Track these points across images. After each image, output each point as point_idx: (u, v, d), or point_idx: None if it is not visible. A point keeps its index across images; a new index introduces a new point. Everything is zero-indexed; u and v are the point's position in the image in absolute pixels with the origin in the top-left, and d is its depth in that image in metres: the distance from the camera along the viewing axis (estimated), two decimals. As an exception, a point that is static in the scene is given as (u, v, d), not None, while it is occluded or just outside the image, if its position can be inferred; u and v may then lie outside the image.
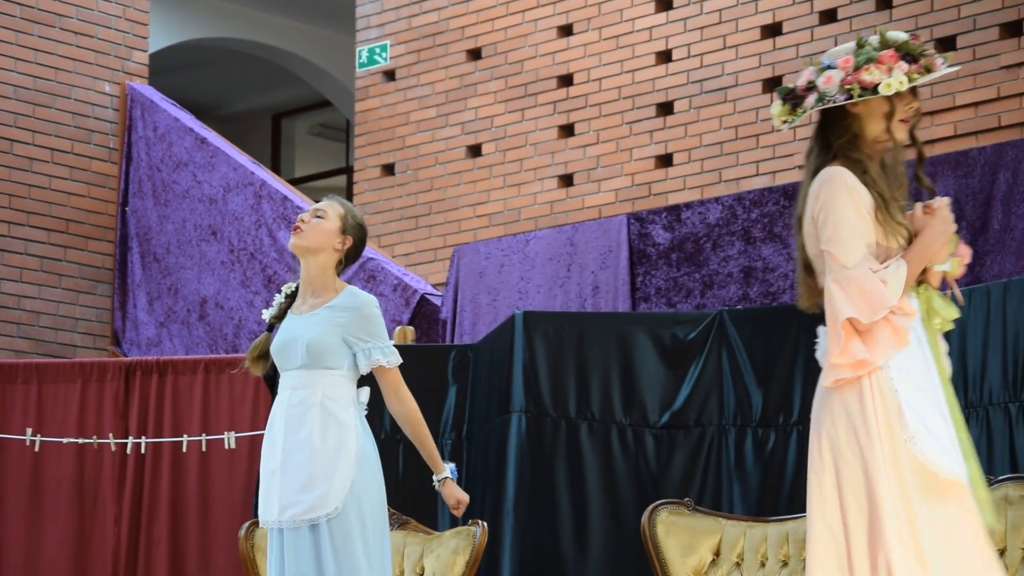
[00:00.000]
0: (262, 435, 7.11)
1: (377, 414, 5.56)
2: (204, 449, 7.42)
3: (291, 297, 4.98)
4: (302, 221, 4.87)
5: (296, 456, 4.74)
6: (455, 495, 4.89)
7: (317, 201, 5.06)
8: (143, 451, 7.46)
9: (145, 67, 9.69)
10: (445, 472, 4.87)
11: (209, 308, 8.82)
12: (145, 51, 9.72)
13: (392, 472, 6.09)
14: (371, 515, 4.76)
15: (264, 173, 8.89)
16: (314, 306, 4.86)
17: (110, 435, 7.50)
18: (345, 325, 4.78)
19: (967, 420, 5.79)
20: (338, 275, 4.92)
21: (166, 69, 11.95)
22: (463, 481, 6.70)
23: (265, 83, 13.33)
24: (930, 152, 7.83)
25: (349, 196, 10.98)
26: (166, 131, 9.18)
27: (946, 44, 8.10)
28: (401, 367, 4.87)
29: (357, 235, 4.94)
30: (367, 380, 4.90)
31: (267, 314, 4.97)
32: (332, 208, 4.92)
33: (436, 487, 4.93)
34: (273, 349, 4.90)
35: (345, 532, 4.70)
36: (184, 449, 7.44)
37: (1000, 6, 7.94)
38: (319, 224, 4.87)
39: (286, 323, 4.91)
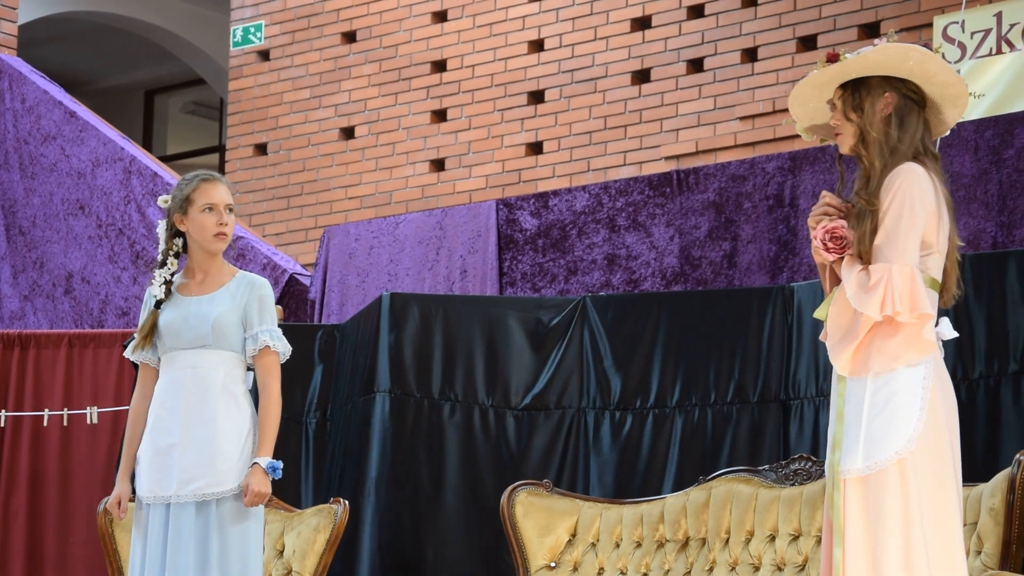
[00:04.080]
0: (126, 410, 7.15)
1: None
2: (66, 424, 7.38)
3: (173, 274, 4.97)
4: (226, 225, 4.88)
5: (199, 432, 4.77)
6: (255, 484, 4.74)
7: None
8: (3, 424, 7.41)
9: (14, 38, 9.57)
10: (264, 459, 4.76)
11: (75, 283, 8.76)
12: (14, 22, 9.61)
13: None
14: None
15: (134, 149, 8.84)
16: (211, 287, 4.90)
17: (-31, 407, 7.44)
18: (243, 307, 4.84)
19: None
20: None
21: (37, 41, 11.81)
22: (327, 460, 6.75)
23: (139, 59, 13.22)
24: (789, 148, 8.06)
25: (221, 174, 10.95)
26: (35, 103, 9.09)
27: (807, 43, 8.32)
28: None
29: None
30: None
31: (158, 291, 4.94)
32: (231, 194, 4.96)
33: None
34: (165, 326, 4.89)
35: (241, 515, 4.74)
36: (45, 423, 7.40)
37: (859, 7, 8.19)
38: (232, 219, 4.92)
39: (175, 302, 4.91)
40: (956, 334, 3.94)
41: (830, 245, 3.91)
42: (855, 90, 4.00)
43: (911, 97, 3.97)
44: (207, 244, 4.88)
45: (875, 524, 3.76)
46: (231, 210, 4.91)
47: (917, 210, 3.84)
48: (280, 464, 4.78)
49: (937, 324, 3.91)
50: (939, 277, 3.93)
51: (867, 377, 3.84)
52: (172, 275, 4.96)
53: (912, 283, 3.80)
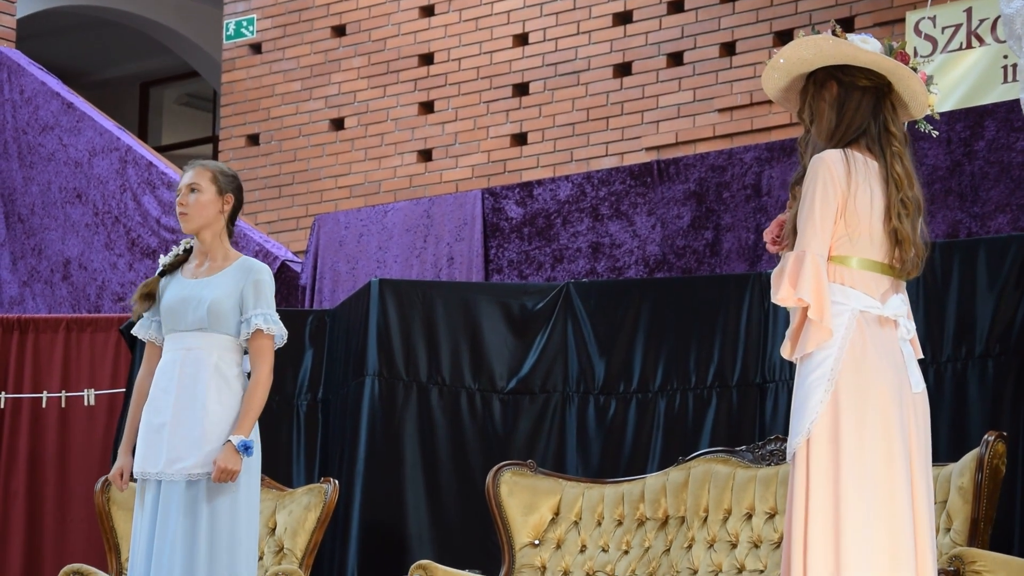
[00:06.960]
0: (122, 393, 7.26)
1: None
2: (63, 405, 7.46)
3: (187, 252, 5.07)
4: (182, 204, 4.95)
5: (188, 413, 4.84)
6: (222, 460, 4.78)
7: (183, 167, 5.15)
8: (2, 405, 7.46)
9: (12, 31, 9.63)
10: (238, 438, 4.81)
11: (73, 269, 8.83)
12: (12, 15, 9.68)
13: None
14: (254, 476, 4.89)
15: (129, 139, 8.92)
16: (211, 271, 4.97)
17: (-31, 390, 7.51)
18: (239, 291, 4.92)
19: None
20: (230, 234, 5.04)
21: (35, 34, 11.87)
22: (319, 442, 6.84)
23: (134, 52, 13.23)
24: (766, 139, 8.17)
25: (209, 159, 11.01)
26: (33, 95, 9.15)
27: (784, 37, 8.43)
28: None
29: (234, 187, 5.05)
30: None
31: (164, 260, 5.04)
32: (202, 175, 4.99)
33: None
34: (166, 307, 4.97)
35: (230, 490, 4.81)
36: (44, 405, 7.46)
37: (834, 3, 8.30)
38: (198, 199, 4.96)
39: (178, 284, 4.99)
40: (896, 312, 3.85)
41: (775, 238, 3.99)
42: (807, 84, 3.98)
43: (856, 84, 3.91)
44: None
45: (792, 502, 3.81)
46: (195, 190, 4.95)
47: (818, 197, 3.80)
48: (252, 443, 4.82)
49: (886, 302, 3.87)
50: (875, 256, 3.88)
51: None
52: (183, 251, 5.05)
53: (794, 269, 3.79)
